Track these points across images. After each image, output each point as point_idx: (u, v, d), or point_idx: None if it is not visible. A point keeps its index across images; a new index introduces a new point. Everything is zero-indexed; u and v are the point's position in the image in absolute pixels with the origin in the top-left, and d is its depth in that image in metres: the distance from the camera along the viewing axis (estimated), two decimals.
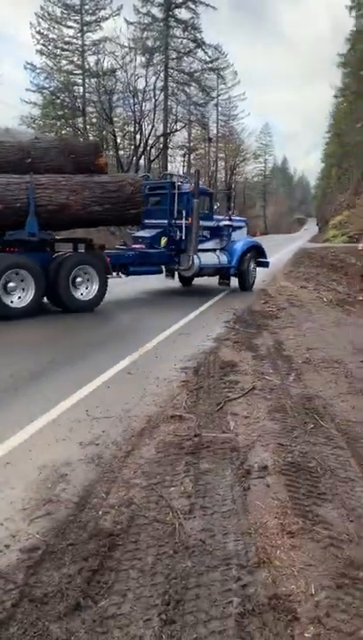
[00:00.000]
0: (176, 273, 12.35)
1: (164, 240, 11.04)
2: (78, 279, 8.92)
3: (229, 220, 12.64)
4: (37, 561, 2.34)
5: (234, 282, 12.58)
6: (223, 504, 2.84)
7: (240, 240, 12.68)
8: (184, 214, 10.91)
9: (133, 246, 11.17)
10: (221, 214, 13.32)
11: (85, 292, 9.05)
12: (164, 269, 11.72)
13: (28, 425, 3.88)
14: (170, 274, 12.43)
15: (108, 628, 1.97)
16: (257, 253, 12.92)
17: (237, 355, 6.07)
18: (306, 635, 1.94)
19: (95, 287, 9.10)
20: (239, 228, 12.97)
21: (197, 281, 13.29)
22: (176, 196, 11.12)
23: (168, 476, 3.15)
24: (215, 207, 12.77)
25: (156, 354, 6.13)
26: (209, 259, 11.59)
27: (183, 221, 10.90)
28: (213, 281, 12.90)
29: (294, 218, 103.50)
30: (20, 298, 8.22)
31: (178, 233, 11.03)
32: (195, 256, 10.94)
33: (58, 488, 2.97)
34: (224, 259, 11.96)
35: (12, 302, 8.12)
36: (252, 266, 12.71)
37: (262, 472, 3.20)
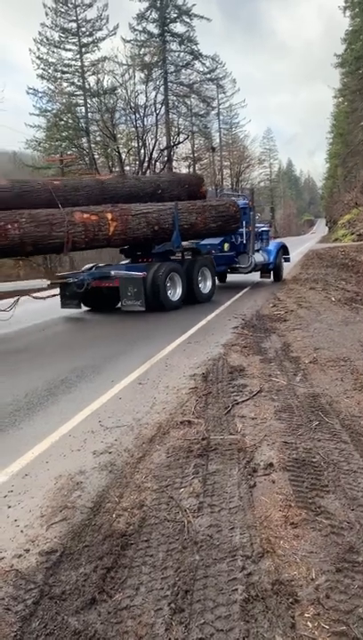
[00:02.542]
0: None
1: (227, 245, 13.75)
2: (199, 278, 11.72)
3: (270, 226, 15.37)
4: (55, 562, 2.51)
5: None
6: (230, 501, 2.97)
7: (273, 242, 15.70)
8: (244, 224, 13.56)
9: None
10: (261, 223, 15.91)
11: (203, 287, 11.85)
12: None
13: (44, 438, 4.08)
14: None
15: (121, 619, 2.12)
16: (284, 251, 15.75)
17: (245, 359, 6.20)
18: (306, 615, 2.07)
19: (209, 283, 12.08)
20: (268, 232, 15.95)
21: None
22: None
23: (178, 478, 3.30)
24: (257, 217, 15.42)
25: (166, 363, 6.29)
26: (259, 257, 14.34)
27: (243, 229, 13.65)
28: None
29: (303, 220, 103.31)
30: (171, 293, 10.80)
31: (239, 239, 13.82)
32: (252, 256, 13.76)
33: (73, 495, 3.15)
34: (266, 257, 14.81)
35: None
36: (282, 261, 15.60)
37: (267, 469, 3.33)
